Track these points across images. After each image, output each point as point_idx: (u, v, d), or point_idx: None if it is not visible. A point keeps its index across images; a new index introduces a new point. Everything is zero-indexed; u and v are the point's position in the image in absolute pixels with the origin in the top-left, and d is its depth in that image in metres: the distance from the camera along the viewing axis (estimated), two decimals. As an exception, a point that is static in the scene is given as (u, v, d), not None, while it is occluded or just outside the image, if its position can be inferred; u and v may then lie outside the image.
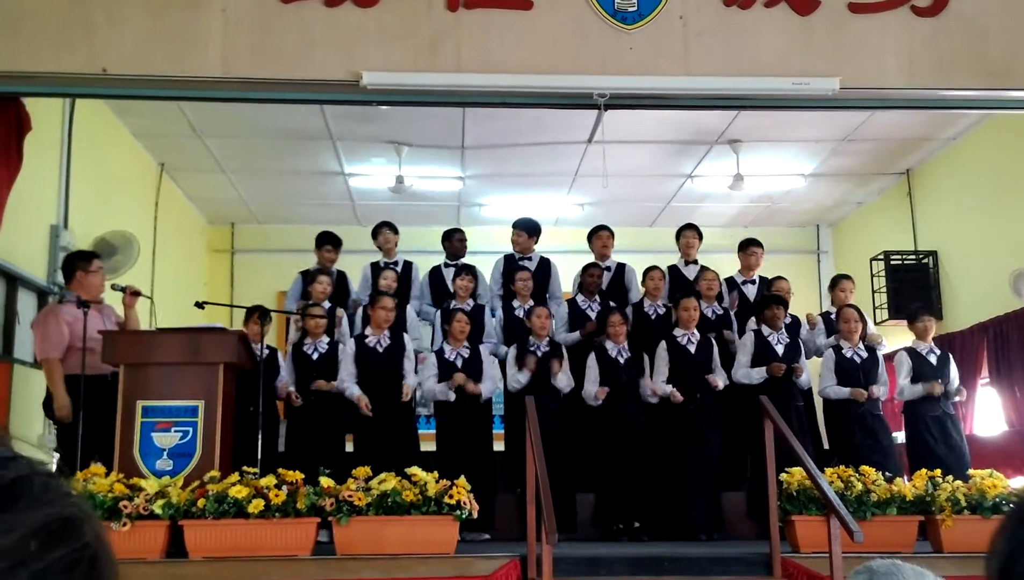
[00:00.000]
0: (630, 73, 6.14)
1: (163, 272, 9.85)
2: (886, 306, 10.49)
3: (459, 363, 7.20)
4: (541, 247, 8.66)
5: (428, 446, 7.46)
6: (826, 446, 7.67)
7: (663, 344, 7.52)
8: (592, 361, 7.36)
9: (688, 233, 8.53)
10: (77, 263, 6.69)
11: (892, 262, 10.52)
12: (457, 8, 6.09)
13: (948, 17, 6.28)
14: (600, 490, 7.30)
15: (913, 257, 10.55)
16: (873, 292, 10.63)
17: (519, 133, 9.51)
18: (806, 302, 8.95)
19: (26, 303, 7.52)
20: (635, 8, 6.17)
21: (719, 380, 7.43)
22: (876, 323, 10.29)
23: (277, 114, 8.83)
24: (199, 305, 6.98)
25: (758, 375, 7.41)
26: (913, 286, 10.27)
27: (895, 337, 9.53)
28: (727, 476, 7.54)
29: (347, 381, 7.06)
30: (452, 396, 7.08)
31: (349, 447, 7.25)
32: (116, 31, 5.93)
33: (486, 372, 7.24)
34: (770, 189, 11.30)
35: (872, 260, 10.75)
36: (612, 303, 7.91)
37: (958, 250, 10.12)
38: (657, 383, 7.41)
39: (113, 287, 6.75)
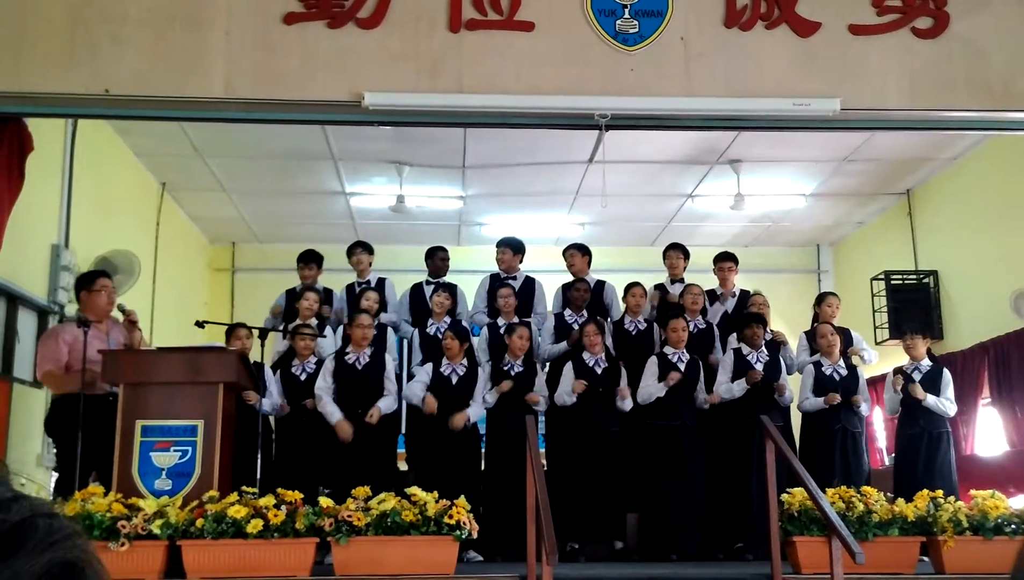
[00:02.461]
0: (631, 94, 6.16)
1: (164, 291, 9.86)
2: (887, 326, 10.49)
3: (454, 379, 7.19)
4: (544, 266, 8.68)
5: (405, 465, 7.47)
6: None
7: (653, 358, 7.51)
8: (568, 369, 7.32)
9: (672, 253, 8.55)
10: (83, 284, 6.75)
11: (893, 282, 10.53)
12: (459, 29, 6.12)
13: (948, 39, 6.30)
14: (567, 505, 7.24)
15: (914, 277, 10.55)
16: (874, 312, 10.63)
17: (520, 153, 9.53)
18: (806, 322, 8.93)
19: (26, 322, 7.52)
20: (636, 29, 6.19)
21: (704, 397, 7.47)
22: (877, 343, 10.29)
23: (279, 134, 8.86)
24: (199, 324, 6.99)
25: (739, 388, 7.42)
26: (914, 306, 10.27)
27: (896, 357, 9.52)
28: (709, 496, 7.50)
29: (324, 396, 7.03)
30: (425, 409, 7.07)
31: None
32: (119, 52, 5.95)
33: (476, 395, 7.22)
34: (771, 209, 11.32)
35: (873, 280, 10.76)
36: (598, 317, 7.90)
37: (959, 270, 10.12)
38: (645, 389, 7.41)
39: (118, 307, 6.75)
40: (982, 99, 6.29)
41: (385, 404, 7.07)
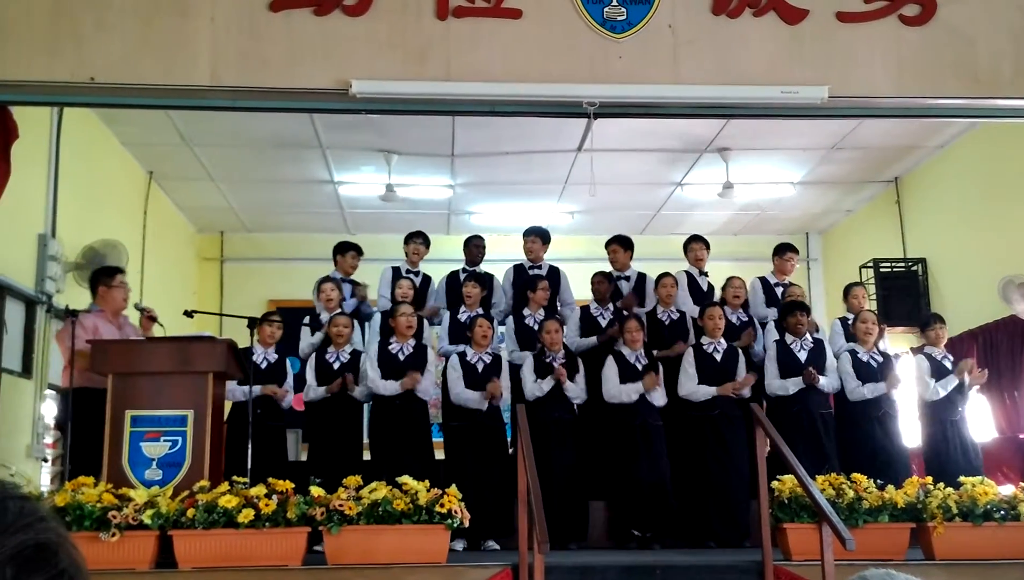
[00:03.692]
0: (619, 82, 6.15)
1: (152, 281, 9.82)
2: (876, 313, 10.49)
3: (480, 367, 7.22)
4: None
5: (439, 453, 7.49)
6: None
7: (690, 351, 7.52)
8: (611, 362, 7.36)
9: (696, 245, 8.53)
10: (100, 278, 6.89)
11: (881, 270, 10.55)
12: (446, 17, 6.09)
13: (936, 26, 6.30)
14: (616, 498, 7.26)
15: (902, 265, 10.57)
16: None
17: (509, 141, 9.51)
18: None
19: (14, 313, 7.48)
20: (624, 17, 6.17)
21: (745, 380, 7.43)
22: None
23: (266, 123, 8.82)
24: (188, 314, 6.97)
25: (793, 386, 7.41)
26: (902, 293, 10.30)
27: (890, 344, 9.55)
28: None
29: (375, 379, 7.05)
30: (485, 406, 7.09)
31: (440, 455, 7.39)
32: (104, 39, 5.91)
33: (504, 379, 7.25)
34: (759, 197, 11.32)
35: (862, 267, 10.77)
36: (625, 312, 7.89)
37: (947, 258, 10.15)
38: (690, 388, 7.41)
39: (136, 306, 6.84)
40: (969, 86, 6.29)
41: (429, 388, 7.15)
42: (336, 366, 7.32)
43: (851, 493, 6.03)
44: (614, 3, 6.18)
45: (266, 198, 11.27)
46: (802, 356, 7.52)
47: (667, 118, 7.93)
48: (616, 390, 7.27)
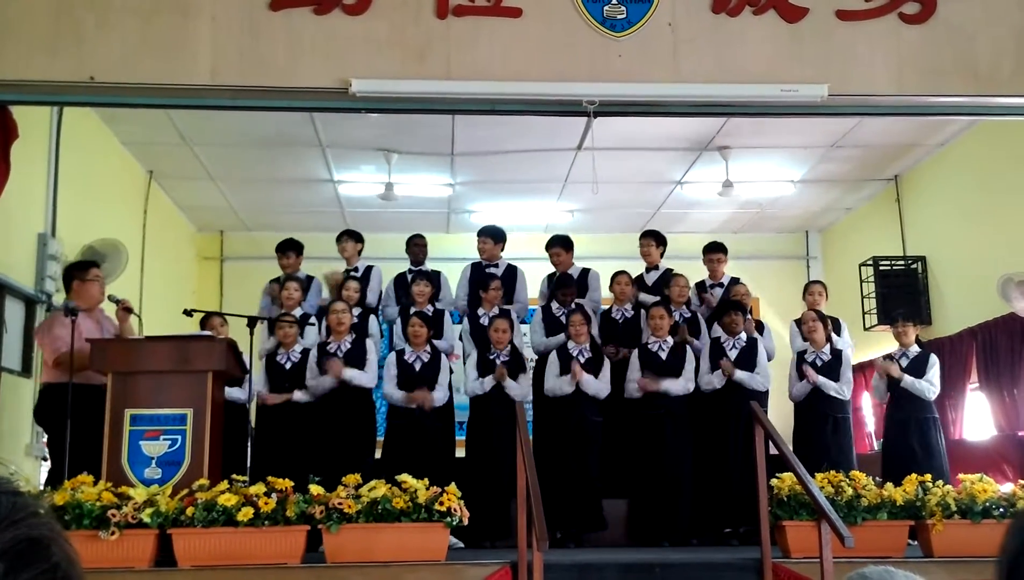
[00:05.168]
0: (619, 80, 6.15)
1: (152, 280, 9.82)
2: (875, 312, 10.52)
3: (417, 366, 7.23)
4: (534, 253, 8.68)
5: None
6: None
7: (635, 352, 7.54)
8: (553, 357, 7.38)
9: (644, 240, 8.57)
10: (74, 273, 6.76)
11: (881, 268, 10.55)
12: (446, 16, 6.09)
13: (936, 24, 6.31)
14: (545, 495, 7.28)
15: (902, 263, 10.57)
16: (863, 298, 10.65)
17: (509, 140, 9.51)
18: (794, 309, 8.95)
19: (13, 312, 7.48)
20: (624, 15, 6.18)
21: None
22: (865, 329, 10.36)
23: (266, 122, 8.82)
24: (188, 313, 6.97)
25: (719, 381, 7.49)
26: (902, 292, 10.29)
27: (885, 343, 9.55)
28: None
29: (309, 380, 7.18)
30: (414, 405, 7.12)
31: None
32: (104, 39, 5.91)
33: (441, 379, 7.26)
34: (759, 195, 11.32)
35: (861, 266, 10.77)
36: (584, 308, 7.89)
37: (947, 256, 10.15)
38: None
39: (109, 298, 6.75)
40: (969, 84, 6.30)
41: (362, 375, 7.15)
42: (287, 366, 7.37)
43: (850, 491, 6.03)
44: (614, 1, 6.18)
45: (266, 197, 11.28)
46: (732, 354, 7.56)
47: (667, 116, 7.92)
48: (550, 384, 7.32)
